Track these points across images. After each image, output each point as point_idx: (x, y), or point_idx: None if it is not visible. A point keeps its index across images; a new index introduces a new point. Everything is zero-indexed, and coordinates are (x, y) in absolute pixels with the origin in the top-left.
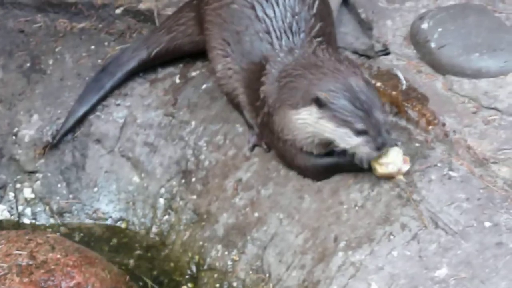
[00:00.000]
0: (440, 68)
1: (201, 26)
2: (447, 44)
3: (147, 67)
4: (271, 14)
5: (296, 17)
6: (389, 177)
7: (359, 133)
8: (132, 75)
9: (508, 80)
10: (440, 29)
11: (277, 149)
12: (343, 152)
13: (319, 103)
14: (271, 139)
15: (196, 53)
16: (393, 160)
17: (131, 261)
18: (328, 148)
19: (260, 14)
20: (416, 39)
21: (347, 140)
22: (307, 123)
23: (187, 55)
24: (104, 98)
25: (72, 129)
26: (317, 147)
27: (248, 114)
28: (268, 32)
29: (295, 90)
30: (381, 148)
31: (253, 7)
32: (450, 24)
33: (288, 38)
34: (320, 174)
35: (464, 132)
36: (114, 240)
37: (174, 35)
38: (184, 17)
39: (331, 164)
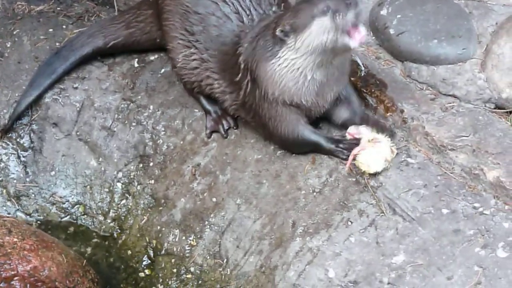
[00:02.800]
0: (398, 54)
1: (159, 16)
2: (406, 30)
3: (101, 55)
4: None
5: None
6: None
7: (324, 13)
8: (85, 60)
9: (466, 67)
10: (399, 16)
11: (260, 118)
12: (331, 138)
13: (285, 35)
14: (255, 108)
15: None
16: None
17: (88, 249)
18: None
19: None
20: (375, 25)
21: (324, 28)
22: (291, 58)
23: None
24: (56, 81)
25: (25, 113)
26: (308, 90)
27: (205, 101)
28: (237, 12)
29: (265, 42)
30: (349, 6)
31: None
32: (409, 11)
33: (256, 9)
34: (299, 147)
35: (422, 119)
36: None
37: (133, 31)
38: (143, 14)
39: (313, 142)
